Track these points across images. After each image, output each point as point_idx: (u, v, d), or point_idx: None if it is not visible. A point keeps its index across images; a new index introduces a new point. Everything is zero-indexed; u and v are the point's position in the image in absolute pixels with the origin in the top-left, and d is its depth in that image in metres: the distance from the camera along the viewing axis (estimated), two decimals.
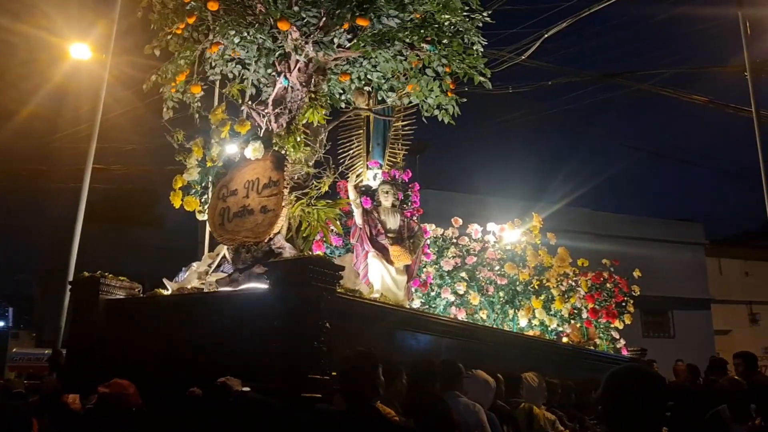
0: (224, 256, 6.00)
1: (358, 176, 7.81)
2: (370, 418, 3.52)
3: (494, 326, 8.42)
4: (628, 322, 9.88)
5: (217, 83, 6.98)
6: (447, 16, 6.33)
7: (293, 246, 5.77)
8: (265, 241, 5.66)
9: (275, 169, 5.85)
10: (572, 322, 9.30)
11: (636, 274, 10.25)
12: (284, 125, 6.11)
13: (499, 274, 8.68)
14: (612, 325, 9.69)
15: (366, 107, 7.58)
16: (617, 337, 9.83)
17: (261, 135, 6.16)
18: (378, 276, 6.83)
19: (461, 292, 8.33)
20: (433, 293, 8.34)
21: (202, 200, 6.32)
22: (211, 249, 6.86)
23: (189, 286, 5.82)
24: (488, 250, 8.86)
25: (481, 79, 6.50)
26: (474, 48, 6.53)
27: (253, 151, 5.92)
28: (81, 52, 11.73)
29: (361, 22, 6.00)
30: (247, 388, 4.15)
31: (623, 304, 9.83)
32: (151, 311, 5.80)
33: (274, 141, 5.97)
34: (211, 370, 4.39)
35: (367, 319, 5.46)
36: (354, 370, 3.66)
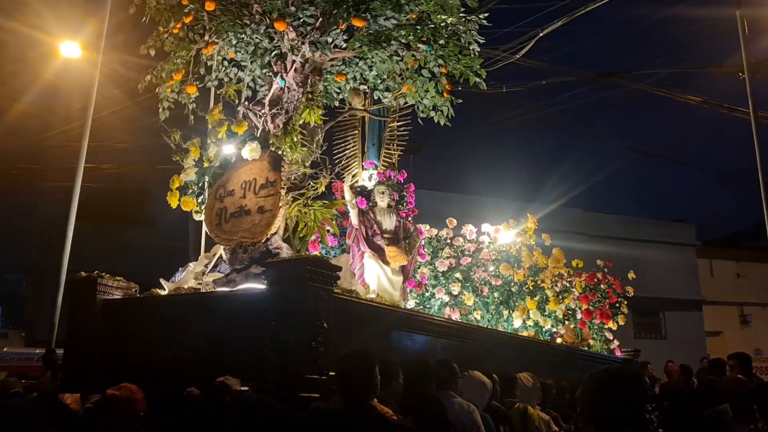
0: (221, 257, 5.99)
1: (353, 177, 7.81)
2: (368, 417, 3.52)
3: (489, 327, 8.43)
4: (621, 323, 9.90)
5: (214, 83, 6.96)
6: (444, 17, 6.34)
7: (290, 246, 5.76)
8: (262, 241, 5.66)
9: (272, 169, 5.85)
10: (566, 323, 9.31)
11: (630, 275, 10.27)
12: (281, 126, 6.11)
13: (494, 275, 8.71)
14: (606, 326, 9.70)
15: (362, 107, 7.58)
16: (611, 338, 9.85)
17: (258, 135, 6.16)
18: (374, 276, 6.84)
19: (455, 293, 8.35)
20: (427, 294, 8.36)
21: (199, 200, 6.31)
22: (207, 249, 6.85)
23: (186, 287, 5.81)
24: (483, 251, 8.88)
25: (477, 80, 6.51)
26: (470, 48, 6.53)
27: (250, 151, 5.92)
28: (71, 51, 11.68)
29: (357, 23, 6.01)
30: (245, 388, 4.15)
31: (617, 305, 9.84)
32: (149, 311, 5.79)
33: (270, 141, 5.97)
34: (208, 370, 4.38)
35: (363, 319, 5.47)
36: (351, 369, 3.65)
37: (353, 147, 8.03)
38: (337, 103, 7.36)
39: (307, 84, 6.25)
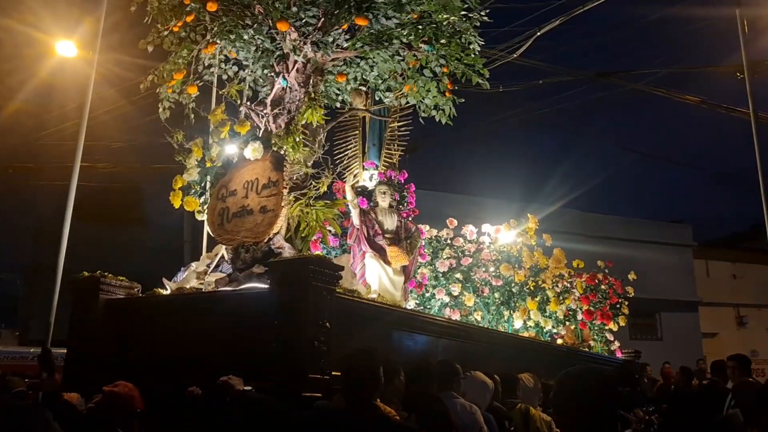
0: (223, 256, 5.98)
1: (354, 177, 7.80)
2: (371, 417, 3.52)
3: (489, 328, 8.42)
4: (622, 324, 9.89)
5: (215, 84, 6.94)
6: (445, 16, 6.32)
7: (292, 246, 5.75)
8: (265, 241, 5.66)
9: (274, 169, 5.85)
10: (567, 323, 9.30)
11: (631, 276, 10.26)
12: (283, 126, 6.11)
13: (495, 276, 8.69)
14: (606, 327, 9.69)
15: (363, 107, 7.57)
16: (611, 339, 9.84)
17: (260, 135, 6.15)
18: (375, 276, 6.84)
19: (456, 294, 8.33)
20: (427, 294, 8.35)
21: (201, 200, 6.30)
22: (209, 249, 6.83)
23: (188, 286, 5.81)
24: (483, 251, 8.87)
25: (479, 79, 6.50)
26: (471, 48, 6.52)
27: (253, 151, 5.92)
28: (67, 49, 11.63)
29: (360, 22, 6.01)
30: (248, 388, 4.13)
31: (617, 305, 9.83)
32: (151, 311, 5.79)
33: (273, 141, 5.97)
34: (211, 370, 4.37)
35: (365, 319, 5.47)
36: (357, 368, 3.65)
37: (354, 147, 8.02)
38: (338, 105, 7.35)
39: (309, 84, 6.25)
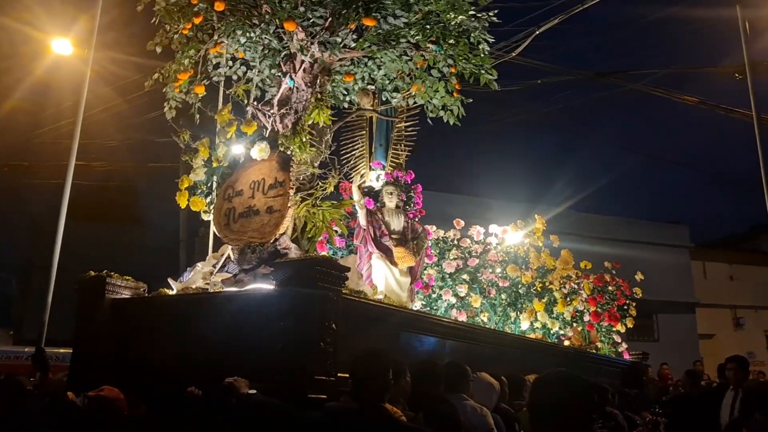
0: (228, 257, 5.95)
1: (361, 177, 7.76)
2: (380, 418, 3.52)
3: (496, 329, 8.39)
4: (630, 325, 9.84)
5: (222, 83, 6.91)
6: (453, 15, 6.29)
7: (298, 247, 5.72)
8: (271, 241, 5.63)
9: (281, 169, 5.82)
10: (574, 325, 9.26)
11: (638, 277, 10.19)
12: (290, 126, 6.08)
13: (501, 277, 8.66)
14: (614, 329, 9.65)
15: (370, 108, 7.53)
16: (619, 340, 9.81)
17: (267, 135, 6.12)
18: (382, 277, 6.80)
19: (462, 295, 8.30)
20: (434, 295, 8.32)
21: (208, 200, 6.27)
22: (215, 249, 6.80)
23: (194, 286, 5.79)
24: (490, 252, 8.83)
25: (489, 78, 6.45)
26: (480, 48, 6.49)
27: (259, 151, 5.89)
28: (62, 47, 11.58)
29: (368, 22, 5.98)
30: (253, 391, 4.09)
31: (625, 307, 9.79)
32: (157, 311, 5.76)
33: (279, 141, 5.94)
34: (216, 371, 4.34)
35: (372, 320, 5.44)
36: (367, 370, 3.65)
37: (361, 147, 7.99)
38: (345, 105, 7.31)
39: (316, 84, 6.22)
